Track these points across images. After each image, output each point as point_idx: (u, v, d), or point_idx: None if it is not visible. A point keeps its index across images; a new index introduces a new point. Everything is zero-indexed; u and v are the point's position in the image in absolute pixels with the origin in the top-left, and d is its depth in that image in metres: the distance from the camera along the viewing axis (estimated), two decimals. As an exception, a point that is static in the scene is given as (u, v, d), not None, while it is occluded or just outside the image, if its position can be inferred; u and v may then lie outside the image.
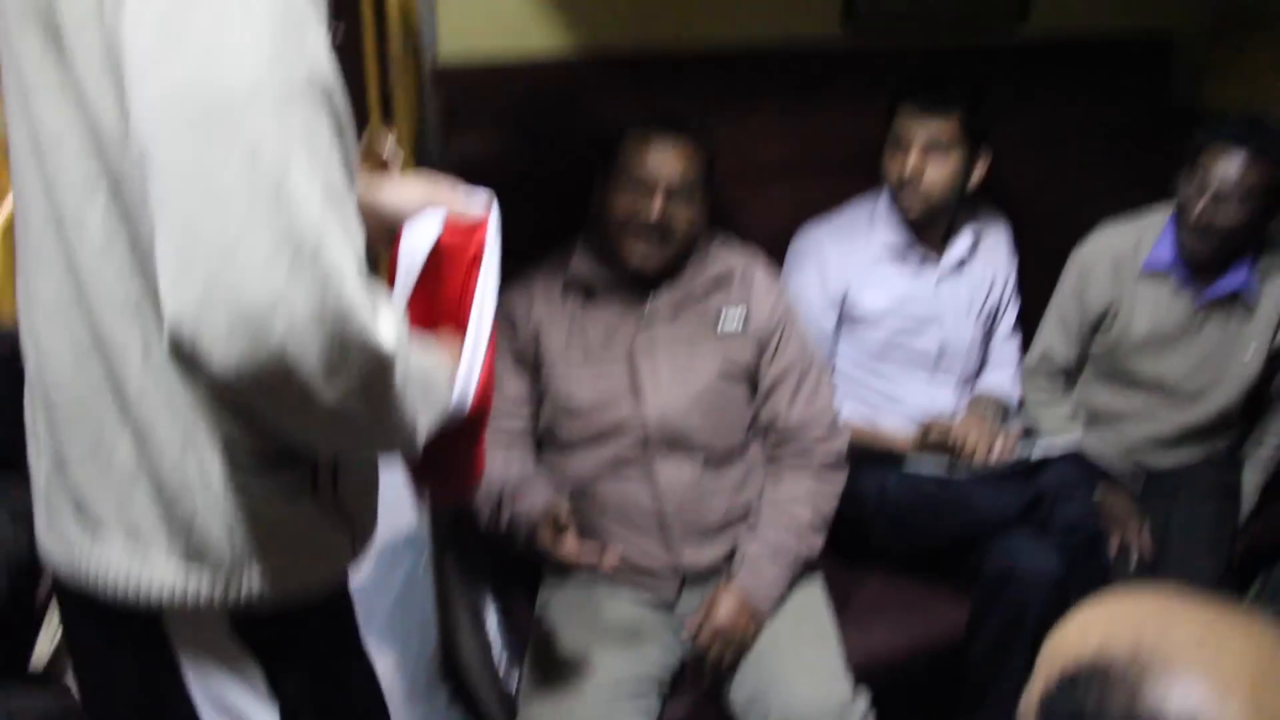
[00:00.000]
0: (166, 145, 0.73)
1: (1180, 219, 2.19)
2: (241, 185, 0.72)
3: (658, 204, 1.84)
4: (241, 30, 0.73)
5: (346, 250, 0.77)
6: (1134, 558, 2.21)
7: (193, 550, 0.95)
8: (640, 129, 1.89)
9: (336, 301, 0.75)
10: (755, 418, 1.99)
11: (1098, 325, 2.35)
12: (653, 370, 1.88)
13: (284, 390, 0.76)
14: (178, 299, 0.73)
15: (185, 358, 0.75)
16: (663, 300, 1.92)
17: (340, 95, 0.81)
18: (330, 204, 0.76)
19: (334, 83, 0.80)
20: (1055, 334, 2.39)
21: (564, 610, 1.88)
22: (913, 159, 2.11)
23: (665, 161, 1.86)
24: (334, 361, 0.76)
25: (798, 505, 1.93)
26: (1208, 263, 2.20)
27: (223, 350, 0.73)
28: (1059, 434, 2.33)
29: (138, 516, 0.95)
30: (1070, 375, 2.43)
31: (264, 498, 0.96)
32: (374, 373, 0.80)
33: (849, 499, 2.03)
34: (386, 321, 0.81)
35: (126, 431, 0.92)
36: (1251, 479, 2.42)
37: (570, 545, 1.71)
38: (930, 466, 2.18)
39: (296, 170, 0.74)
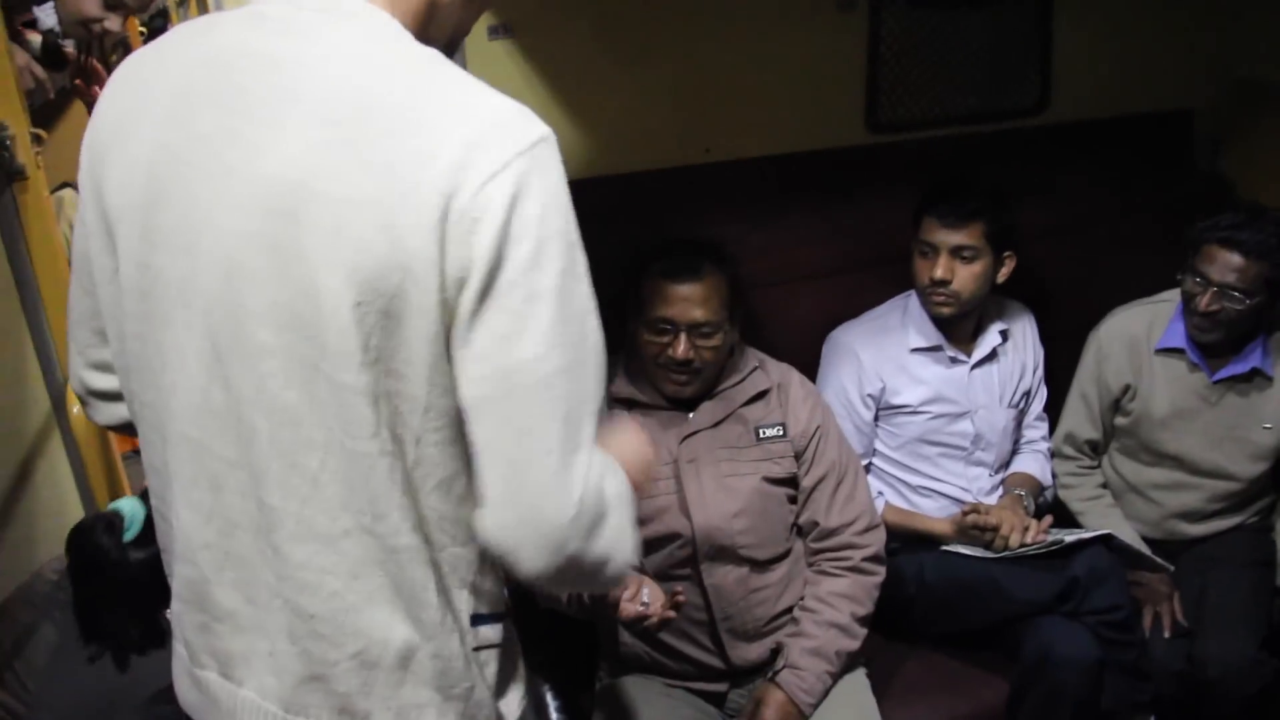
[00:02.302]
0: (507, 406, 0.94)
1: (1186, 309, 2.27)
2: (557, 443, 0.94)
3: (682, 345, 1.95)
4: (568, 319, 0.93)
5: (605, 470, 0.99)
6: (1166, 630, 2.28)
7: (468, 714, 1.09)
8: (658, 270, 1.98)
9: (602, 514, 0.98)
10: (796, 520, 2.10)
11: (1118, 404, 2.43)
12: (698, 482, 1.99)
13: (571, 576, 0.99)
14: (499, 521, 0.97)
15: (502, 559, 0.99)
16: (704, 415, 2.04)
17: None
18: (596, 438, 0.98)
19: (600, 334, 0.98)
20: (1079, 414, 2.47)
21: (620, 704, 2.00)
22: (941, 266, 2.22)
23: (686, 304, 1.95)
24: (603, 552, 0.99)
25: (839, 603, 2.03)
26: (1217, 348, 2.29)
27: (530, 561, 0.97)
28: (1089, 509, 2.43)
29: (410, 701, 1.06)
30: (1096, 451, 2.51)
31: (507, 638, 1.15)
32: (620, 540, 1.02)
33: (890, 582, 2.13)
34: (615, 492, 1.01)
35: (407, 627, 1.04)
36: (1284, 544, 2.48)
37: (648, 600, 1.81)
38: (967, 548, 2.27)
39: (587, 423, 0.96)
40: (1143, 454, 2.44)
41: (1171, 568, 2.31)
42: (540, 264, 0.91)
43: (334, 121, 0.90)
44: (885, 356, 2.32)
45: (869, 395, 2.31)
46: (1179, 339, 2.33)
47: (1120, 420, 2.45)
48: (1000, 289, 2.34)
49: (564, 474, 0.94)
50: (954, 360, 2.33)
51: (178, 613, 1.14)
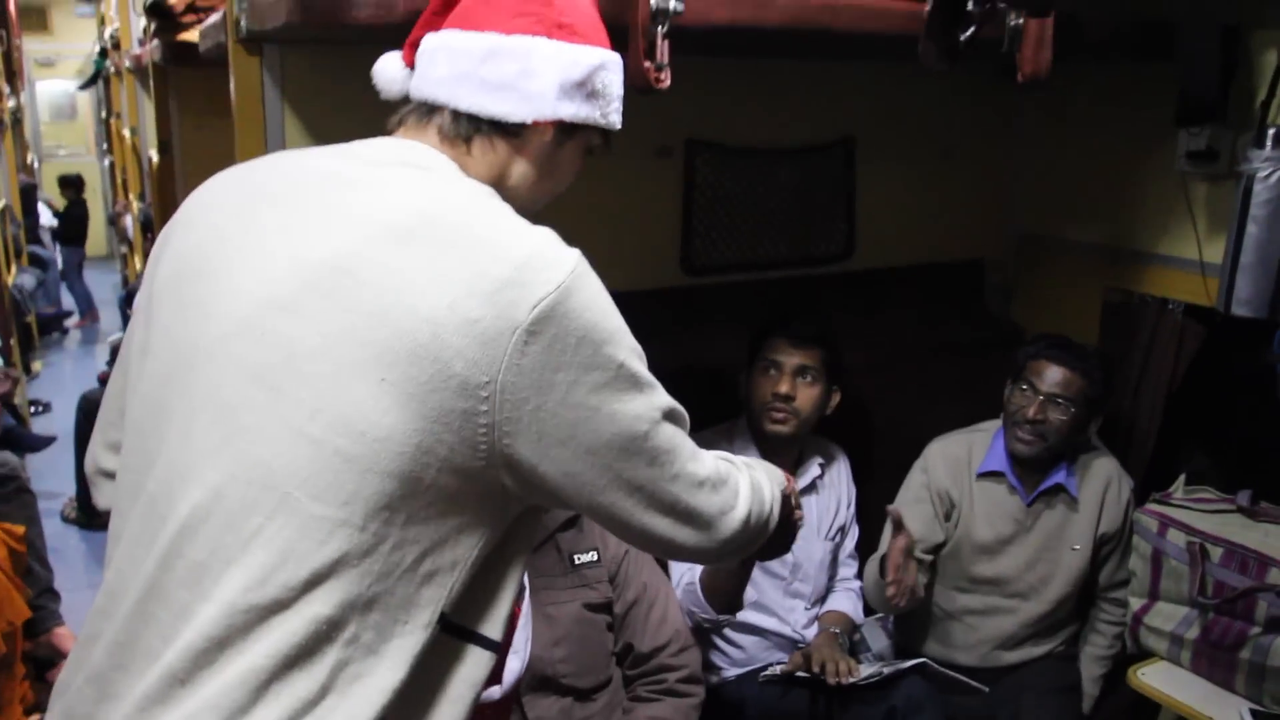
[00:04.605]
0: (609, 501, 1.09)
1: (1011, 424, 2.42)
2: (683, 501, 1.16)
3: None
4: (628, 406, 1.07)
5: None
6: None
7: None
8: None
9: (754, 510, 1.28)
10: (615, 647, 2.06)
11: (949, 514, 2.50)
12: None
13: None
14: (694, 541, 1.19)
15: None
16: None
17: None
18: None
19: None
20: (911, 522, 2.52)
21: None
22: (785, 382, 2.29)
23: None
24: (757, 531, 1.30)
25: (657, 730, 1.99)
26: (1036, 463, 2.42)
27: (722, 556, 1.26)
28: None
29: None
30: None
31: None
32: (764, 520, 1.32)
33: (712, 718, 2.09)
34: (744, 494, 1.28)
35: None
36: (1089, 672, 2.56)
37: None
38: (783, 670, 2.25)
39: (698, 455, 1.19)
40: (961, 580, 2.51)
41: (986, 689, 2.35)
42: (595, 362, 1.02)
43: (390, 226, 1.00)
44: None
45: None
46: (998, 462, 2.46)
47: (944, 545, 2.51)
48: (817, 426, 2.41)
49: (708, 512, 1.19)
50: (772, 489, 2.36)
51: None
